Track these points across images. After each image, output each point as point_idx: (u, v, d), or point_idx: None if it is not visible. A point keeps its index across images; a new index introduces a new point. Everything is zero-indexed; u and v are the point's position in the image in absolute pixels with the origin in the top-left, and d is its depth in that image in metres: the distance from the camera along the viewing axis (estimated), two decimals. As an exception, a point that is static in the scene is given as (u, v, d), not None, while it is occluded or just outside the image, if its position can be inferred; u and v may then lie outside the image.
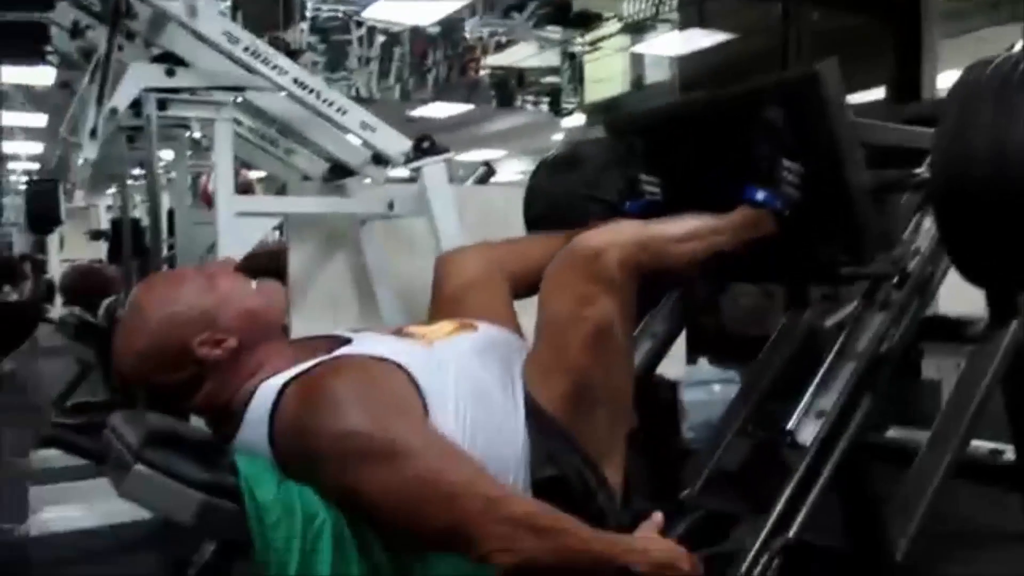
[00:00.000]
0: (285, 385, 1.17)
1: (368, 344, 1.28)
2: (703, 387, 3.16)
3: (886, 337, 1.55)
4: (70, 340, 3.66)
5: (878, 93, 4.89)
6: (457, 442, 1.18)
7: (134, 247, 2.97)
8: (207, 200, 5.15)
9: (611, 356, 1.30)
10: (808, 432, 1.50)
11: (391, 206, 2.41)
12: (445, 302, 1.56)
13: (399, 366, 1.21)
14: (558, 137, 9.70)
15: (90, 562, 1.98)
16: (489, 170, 4.35)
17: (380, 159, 2.39)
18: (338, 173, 2.65)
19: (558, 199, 2.06)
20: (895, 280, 1.54)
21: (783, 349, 2.30)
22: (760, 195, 1.46)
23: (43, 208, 2.16)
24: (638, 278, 1.33)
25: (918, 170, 1.56)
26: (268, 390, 1.18)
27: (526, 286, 1.61)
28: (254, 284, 1.29)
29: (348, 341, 1.31)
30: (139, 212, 4.85)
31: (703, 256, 1.44)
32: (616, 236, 1.34)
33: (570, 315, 1.28)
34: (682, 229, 1.43)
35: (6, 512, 1.95)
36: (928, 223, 1.59)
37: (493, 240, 1.70)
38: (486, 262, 1.60)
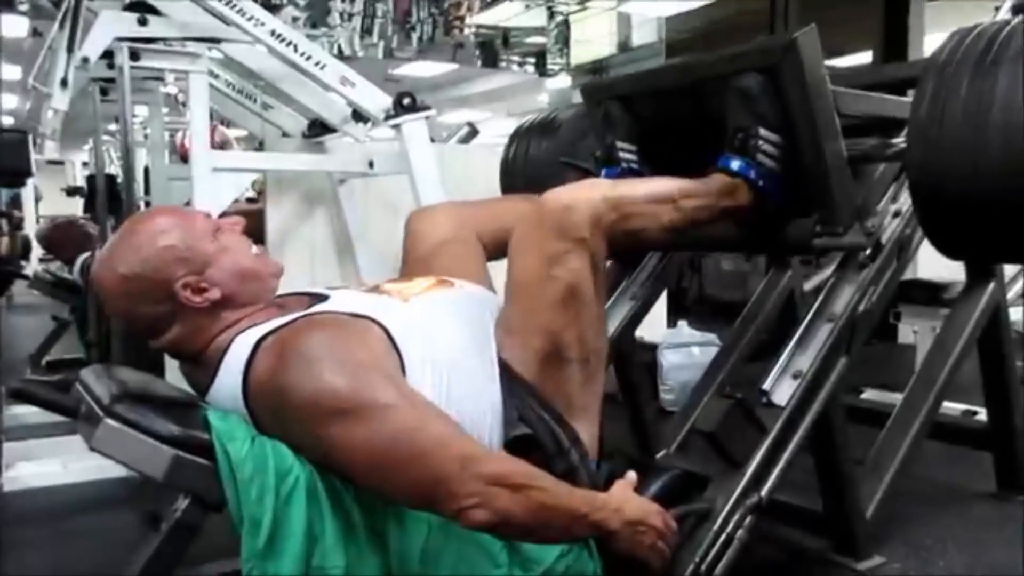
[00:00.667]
0: (260, 340, 1.15)
1: (345, 301, 1.27)
2: (683, 349, 3.17)
3: (863, 299, 1.55)
4: (46, 296, 3.61)
5: (866, 56, 4.87)
6: (433, 399, 1.17)
7: (109, 204, 2.92)
8: (183, 155, 5.07)
9: (582, 315, 1.29)
10: (784, 392, 1.51)
11: (371, 164, 2.38)
12: (417, 260, 1.55)
13: (375, 322, 1.20)
14: (543, 98, 9.60)
15: (64, 518, 1.97)
16: (472, 130, 4.30)
17: (360, 116, 2.35)
18: (318, 130, 2.61)
19: (534, 166, 2.05)
20: (868, 252, 1.54)
21: (762, 312, 2.32)
22: (735, 164, 1.43)
23: (12, 159, 2.12)
24: (607, 235, 1.31)
25: (895, 140, 1.55)
26: (242, 345, 1.16)
27: (497, 247, 1.59)
28: (256, 249, 1.28)
29: (325, 298, 1.30)
30: (115, 169, 4.78)
31: (675, 219, 1.40)
32: (586, 192, 1.31)
33: (539, 274, 1.27)
34: (653, 189, 1.40)
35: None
36: (905, 193, 1.59)
37: (467, 199, 1.69)
38: (458, 220, 1.58)
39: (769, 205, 1.47)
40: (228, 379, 1.16)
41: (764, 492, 1.43)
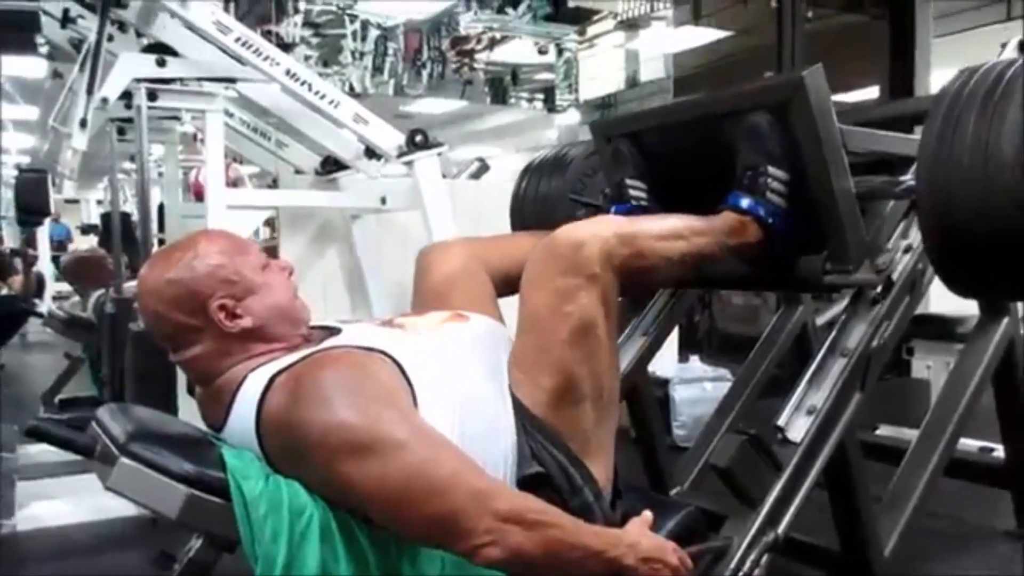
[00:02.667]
0: (274, 376, 1.16)
1: (357, 335, 1.27)
2: (694, 385, 3.17)
3: (876, 334, 1.55)
4: (59, 335, 3.63)
5: (873, 92, 4.90)
6: (446, 434, 1.17)
7: (124, 241, 2.95)
8: (198, 193, 5.12)
9: (594, 352, 1.29)
10: (799, 429, 1.50)
11: (383, 200, 2.40)
12: (427, 295, 1.55)
13: (389, 356, 1.20)
14: (553, 134, 9.68)
15: (77, 558, 1.96)
16: (483, 166, 4.34)
17: (373, 153, 2.38)
18: (331, 167, 2.64)
19: (544, 203, 2.06)
20: (879, 289, 1.54)
21: (774, 347, 2.31)
22: (744, 202, 1.44)
23: (32, 199, 2.15)
24: (619, 273, 1.31)
25: (904, 177, 1.56)
26: (257, 380, 1.17)
27: (507, 283, 1.59)
28: (298, 293, 1.30)
29: (338, 332, 1.31)
30: (129, 206, 4.83)
31: (686, 257, 1.40)
32: (597, 228, 1.32)
33: (551, 310, 1.27)
34: (664, 227, 1.41)
35: (-6, 508, 1.94)
36: (915, 228, 1.58)
37: (478, 235, 1.70)
38: (468, 256, 1.59)
39: (778, 242, 1.47)
40: (242, 415, 1.16)
41: (780, 530, 1.41)
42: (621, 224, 1.37)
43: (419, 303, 1.56)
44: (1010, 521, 2.00)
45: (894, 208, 1.66)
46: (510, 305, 1.62)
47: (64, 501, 2.09)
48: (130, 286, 3.07)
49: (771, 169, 1.44)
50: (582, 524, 1.16)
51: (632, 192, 1.69)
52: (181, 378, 2.15)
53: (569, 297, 1.26)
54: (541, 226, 1.98)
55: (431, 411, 1.18)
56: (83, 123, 1.93)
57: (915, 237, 1.60)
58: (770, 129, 1.44)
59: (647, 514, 1.27)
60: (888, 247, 1.59)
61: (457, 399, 1.22)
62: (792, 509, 1.43)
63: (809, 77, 1.42)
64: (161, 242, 3.51)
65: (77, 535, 2.02)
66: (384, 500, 1.07)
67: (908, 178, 1.53)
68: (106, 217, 5.02)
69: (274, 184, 2.97)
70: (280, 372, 1.16)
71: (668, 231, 1.39)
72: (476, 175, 4.17)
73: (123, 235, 3.08)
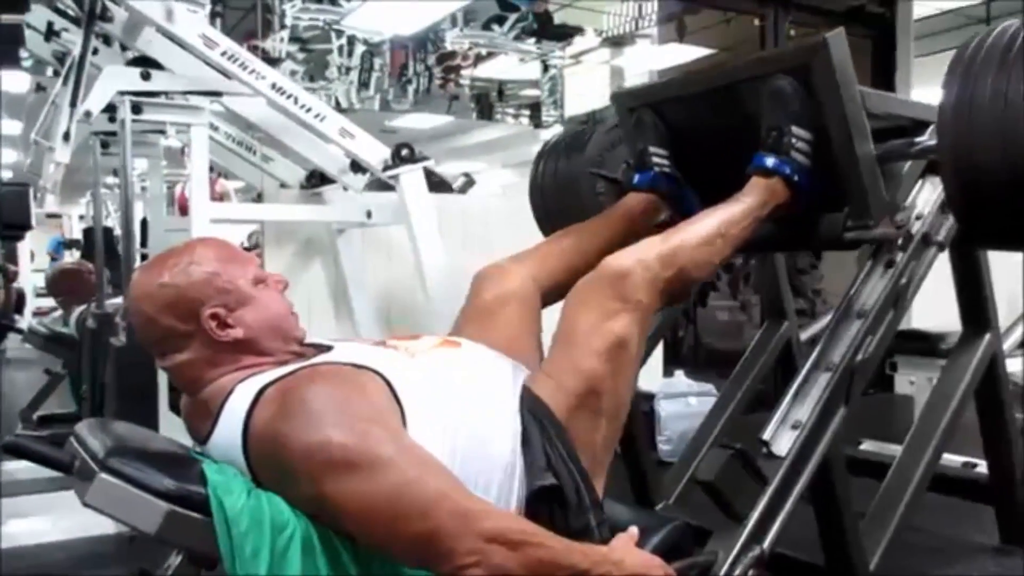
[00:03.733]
0: (262, 389, 1.14)
1: (349, 353, 1.26)
2: (679, 399, 3.16)
3: (860, 349, 1.55)
4: (39, 350, 3.59)
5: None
6: (435, 453, 1.15)
7: (106, 256, 2.92)
8: (183, 208, 5.09)
9: (621, 370, 1.31)
10: (784, 443, 1.50)
11: (369, 215, 2.39)
12: (477, 310, 1.54)
13: (379, 374, 1.19)
14: (538, 149, 9.70)
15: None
16: (469, 180, 4.35)
17: (358, 167, 2.37)
18: (316, 181, 2.64)
19: (564, 180, 2.07)
20: (899, 242, 1.56)
21: (759, 362, 2.32)
22: (770, 161, 1.49)
23: (13, 212, 2.13)
24: (663, 294, 1.36)
25: (920, 139, 1.60)
26: (244, 392, 1.16)
27: (560, 289, 1.55)
28: (293, 309, 1.30)
29: (329, 349, 1.30)
30: (112, 221, 4.79)
31: (725, 253, 1.47)
32: (641, 255, 1.35)
33: (591, 325, 1.30)
34: (703, 231, 1.44)
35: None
36: (930, 189, 1.63)
37: (521, 253, 1.67)
38: (522, 277, 1.58)
39: (803, 200, 1.52)
40: (229, 427, 1.15)
41: (766, 544, 1.41)
42: (662, 244, 1.40)
43: (466, 319, 1.53)
44: (993, 535, 2.01)
45: (911, 169, 1.69)
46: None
47: (42, 519, 2.06)
48: (113, 302, 3.05)
49: (795, 129, 1.50)
50: (567, 542, 1.15)
51: (655, 160, 1.73)
52: (163, 394, 2.13)
53: (611, 317, 1.30)
54: (562, 203, 2.04)
55: (420, 431, 1.16)
56: (66, 136, 1.91)
57: (930, 197, 1.62)
58: (793, 91, 1.50)
59: (633, 529, 1.26)
60: (905, 205, 1.62)
61: (448, 420, 1.21)
62: (777, 523, 1.43)
63: (832, 40, 1.47)
64: (144, 257, 3.48)
65: (54, 554, 1.99)
66: (368, 519, 1.06)
67: (925, 139, 1.59)
68: (88, 232, 4.98)
69: (259, 198, 2.96)
70: (268, 385, 1.15)
71: (707, 235, 1.44)
72: (462, 190, 4.18)
73: (105, 250, 3.05)
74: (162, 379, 2.18)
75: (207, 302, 1.19)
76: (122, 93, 2.00)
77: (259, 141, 2.71)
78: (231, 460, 1.14)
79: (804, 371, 1.57)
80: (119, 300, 3.25)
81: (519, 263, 1.62)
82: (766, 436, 1.50)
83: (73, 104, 1.92)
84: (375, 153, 2.24)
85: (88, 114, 1.96)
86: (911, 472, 1.77)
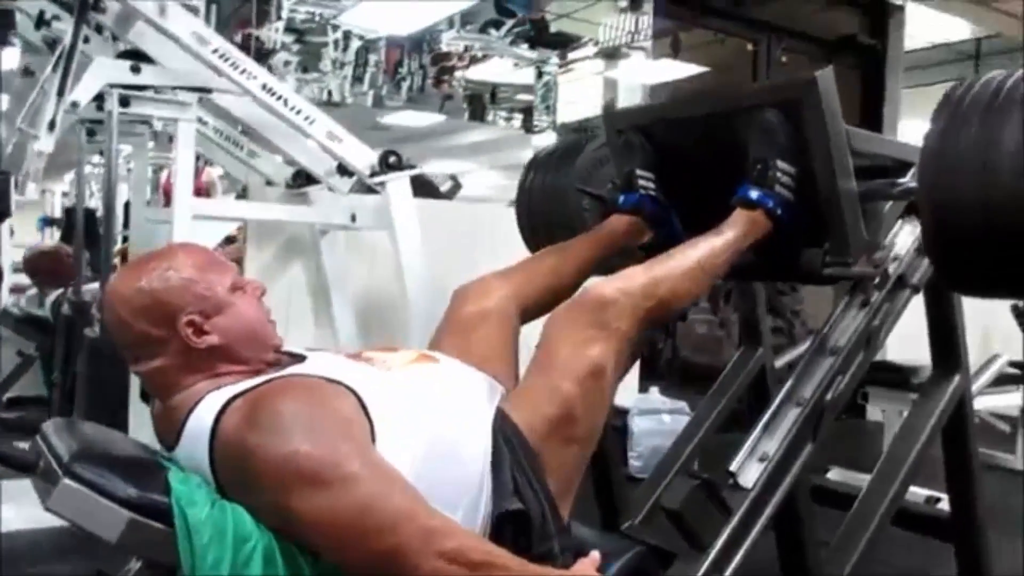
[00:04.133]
0: (231, 399, 1.15)
1: (322, 364, 1.27)
2: (653, 416, 3.19)
3: (831, 387, 1.57)
4: (11, 332, 3.55)
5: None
6: (402, 470, 1.15)
7: (87, 237, 2.89)
8: (167, 194, 5.04)
9: (597, 398, 1.32)
10: (750, 475, 1.51)
11: (353, 218, 2.39)
12: (456, 325, 1.54)
13: (350, 389, 1.19)
14: (528, 154, 9.71)
15: (10, 567, 1.91)
16: (455, 184, 4.33)
17: (345, 169, 2.37)
18: (302, 180, 2.63)
19: (551, 194, 2.07)
20: (876, 281, 1.59)
21: (732, 386, 2.33)
22: (754, 194, 1.51)
23: (-7, 200, 2.12)
24: (642, 323, 1.37)
25: (902, 180, 1.62)
26: (213, 401, 1.16)
27: (540, 308, 1.61)
28: (271, 317, 1.30)
29: (303, 359, 1.30)
30: (95, 201, 4.74)
31: (705, 283, 1.49)
32: (622, 285, 1.36)
33: (570, 350, 1.31)
34: (686, 263, 1.46)
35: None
36: (908, 230, 1.66)
37: (501, 271, 1.67)
38: (502, 296, 1.58)
39: (784, 233, 1.55)
40: (195, 435, 1.15)
41: (727, 574, 1.43)
42: (646, 274, 1.41)
43: (444, 333, 1.54)
44: (951, 569, 2.03)
45: (891, 209, 1.72)
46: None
47: (6, 507, 2.03)
48: (89, 288, 3.03)
49: (780, 163, 1.52)
50: (529, 565, 1.16)
51: (641, 182, 1.75)
52: (134, 389, 2.12)
53: (590, 343, 1.31)
54: (548, 217, 2.04)
55: (389, 447, 1.17)
56: (51, 125, 1.90)
57: (908, 237, 1.64)
58: (780, 125, 1.52)
59: (595, 554, 1.26)
60: (884, 244, 1.65)
61: (419, 437, 1.21)
62: (740, 554, 1.44)
63: (821, 77, 1.49)
64: (125, 239, 3.45)
65: (13, 543, 1.96)
66: (331, 533, 1.06)
67: (907, 180, 1.61)
68: (70, 212, 4.93)
69: (244, 192, 2.95)
70: (237, 396, 1.15)
71: (689, 267, 1.46)
72: (449, 193, 4.15)
73: (86, 233, 3.02)
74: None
75: (184, 308, 1.19)
76: (111, 86, 1.99)
77: (246, 136, 2.70)
78: (197, 468, 1.15)
79: (775, 404, 1.58)
80: (96, 285, 3.23)
81: (500, 280, 1.62)
82: (733, 467, 1.51)
83: (60, 93, 1.91)
84: (362, 157, 2.24)
85: (75, 105, 1.95)
86: (876, 505, 1.79)
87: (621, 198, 1.76)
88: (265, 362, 1.27)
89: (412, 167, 2.20)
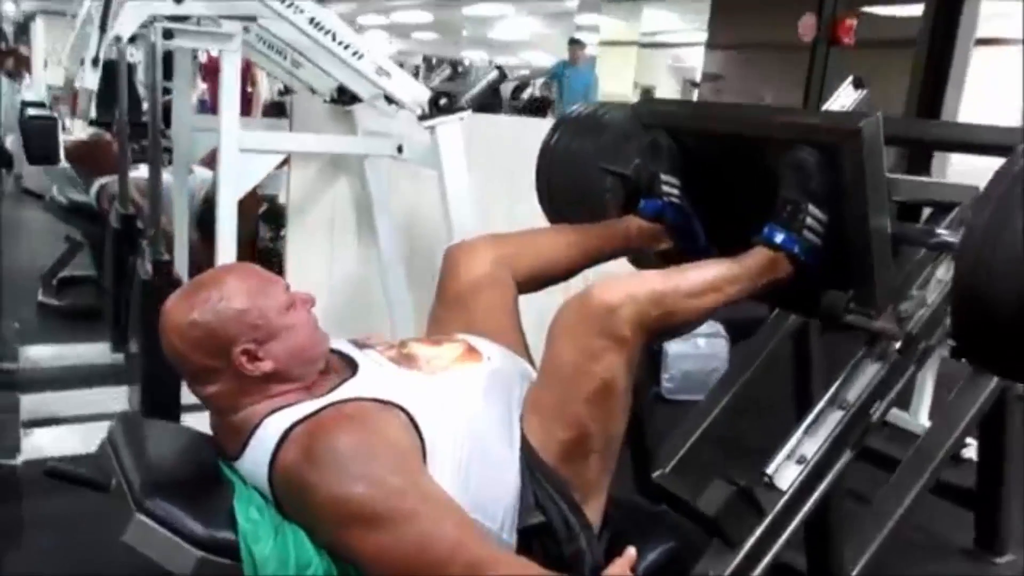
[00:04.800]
0: (289, 429, 1.19)
1: (372, 379, 1.29)
2: (688, 340, 3.21)
3: (880, 395, 1.57)
4: (60, 222, 3.61)
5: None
6: (451, 486, 1.21)
7: (131, 128, 2.83)
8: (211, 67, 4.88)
9: (611, 409, 1.33)
10: (786, 477, 1.54)
11: (400, 149, 2.33)
12: (450, 302, 1.57)
13: (403, 410, 1.23)
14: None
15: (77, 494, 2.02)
16: (501, 74, 4.16)
17: (392, 99, 2.29)
18: (347, 98, 2.55)
19: (573, 164, 1.99)
20: (898, 345, 1.55)
21: (772, 342, 2.33)
22: (780, 237, 1.45)
23: (40, 146, 2.07)
24: (649, 333, 1.33)
25: (940, 229, 1.54)
26: (273, 428, 1.20)
27: (535, 284, 1.64)
28: (319, 325, 1.31)
29: (354, 366, 1.33)
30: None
31: (717, 305, 1.43)
32: (632, 291, 1.32)
33: (575, 367, 1.29)
34: (700, 280, 1.41)
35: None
36: (939, 277, 1.58)
37: (504, 233, 1.68)
38: (496, 261, 1.59)
39: (806, 278, 1.49)
40: (256, 459, 1.20)
41: (757, 573, 1.49)
42: (655, 283, 1.37)
43: (442, 307, 1.59)
44: (967, 535, 2.11)
45: (924, 256, 1.64)
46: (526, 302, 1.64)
47: (68, 428, 2.14)
48: (136, 176, 3.03)
49: (811, 207, 1.44)
50: None
51: (665, 188, 1.68)
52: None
53: (596, 358, 1.29)
54: (567, 189, 1.97)
55: (439, 465, 1.22)
56: (95, 62, 1.84)
57: (937, 287, 1.58)
58: (816, 167, 1.43)
59: (630, 552, 1.33)
60: (913, 294, 1.59)
61: (465, 448, 1.26)
62: (770, 555, 1.50)
63: (866, 128, 1.38)
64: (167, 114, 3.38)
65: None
66: (387, 568, 1.13)
67: (946, 235, 1.52)
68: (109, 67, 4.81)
69: (285, 91, 2.86)
70: (297, 424, 1.19)
71: (702, 285, 1.41)
72: (494, 84, 3.99)
73: (131, 123, 2.98)
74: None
75: (238, 339, 1.21)
76: (153, 18, 1.90)
77: (290, 47, 2.59)
78: (258, 486, 1.21)
79: (819, 406, 1.59)
80: (138, 173, 3.23)
81: (491, 246, 1.62)
82: (769, 470, 1.55)
83: (103, 28, 1.83)
84: (412, 94, 2.16)
85: (118, 39, 1.88)
86: (907, 487, 1.81)
87: (642, 203, 1.70)
88: (319, 372, 1.30)
89: (462, 108, 2.12)
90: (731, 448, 2.55)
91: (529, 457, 1.31)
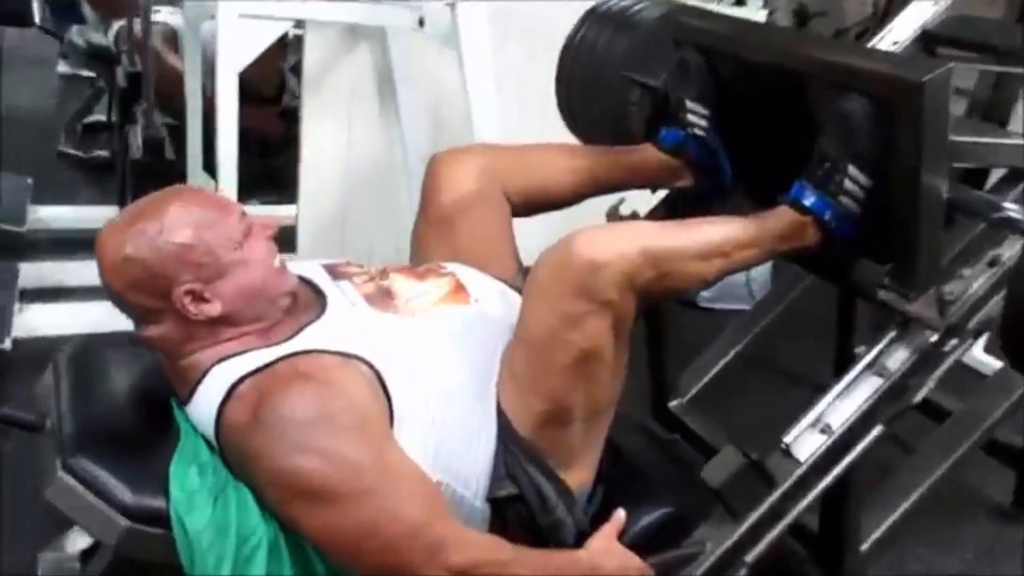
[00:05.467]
0: (236, 383, 1.06)
1: (339, 326, 1.15)
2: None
3: (923, 370, 1.38)
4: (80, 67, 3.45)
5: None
6: (419, 451, 1.09)
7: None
8: None
9: (595, 375, 1.17)
10: (806, 447, 1.39)
11: (421, 22, 2.08)
12: (433, 220, 1.42)
13: (368, 364, 1.09)
14: None
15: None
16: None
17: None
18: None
19: (597, 67, 1.72)
20: (935, 339, 1.33)
21: (807, 278, 2.10)
22: (810, 200, 1.23)
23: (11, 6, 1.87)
24: (640, 295, 1.14)
25: (1008, 204, 1.30)
26: (219, 379, 1.08)
27: (527, 203, 1.47)
28: (278, 260, 1.15)
29: (322, 298, 1.18)
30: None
31: (722, 271, 1.23)
32: (622, 245, 1.12)
33: (552, 333, 1.12)
34: (706, 240, 1.20)
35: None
36: (995, 258, 1.33)
37: (498, 144, 1.56)
38: (485, 175, 1.42)
39: (836, 249, 1.28)
40: (203, 410, 1.09)
41: (761, 547, 1.36)
42: (652, 237, 1.18)
43: (425, 224, 1.44)
44: (1005, 492, 1.97)
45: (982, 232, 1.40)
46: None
47: (65, 304, 2.07)
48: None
49: (852, 169, 1.21)
50: (542, 558, 1.13)
51: (690, 118, 1.45)
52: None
53: (575, 324, 1.11)
54: (585, 95, 1.72)
55: (407, 429, 1.10)
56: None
57: (988, 272, 1.33)
58: (865, 122, 1.19)
59: (619, 516, 1.22)
60: (964, 273, 1.35)
61: (439, 412, 1.13)
62: (777, 530, 1.37)
63: (931, 84, 1.13)
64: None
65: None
66: (335, 547, 1.04)
67: (1013, 206, 1.28)
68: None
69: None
70: (245, 378, 1.06)
71: (708, 247, 1.20)
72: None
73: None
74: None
75: (179, 278, 1.07)
76: None
77: None
78: (207, 437, 1.10)
79: (853, 372, 1.40)
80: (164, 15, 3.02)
81: (482, 156, 1.46)
82: (788, 438, 1.39)
83: None
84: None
85: None
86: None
87: (663, 133, 1.47)
88: (281, 311, 1.16)
89: (485, -7, 1.85)
90: (763, 374, 2.41)
91: (502, 425, 1.17)
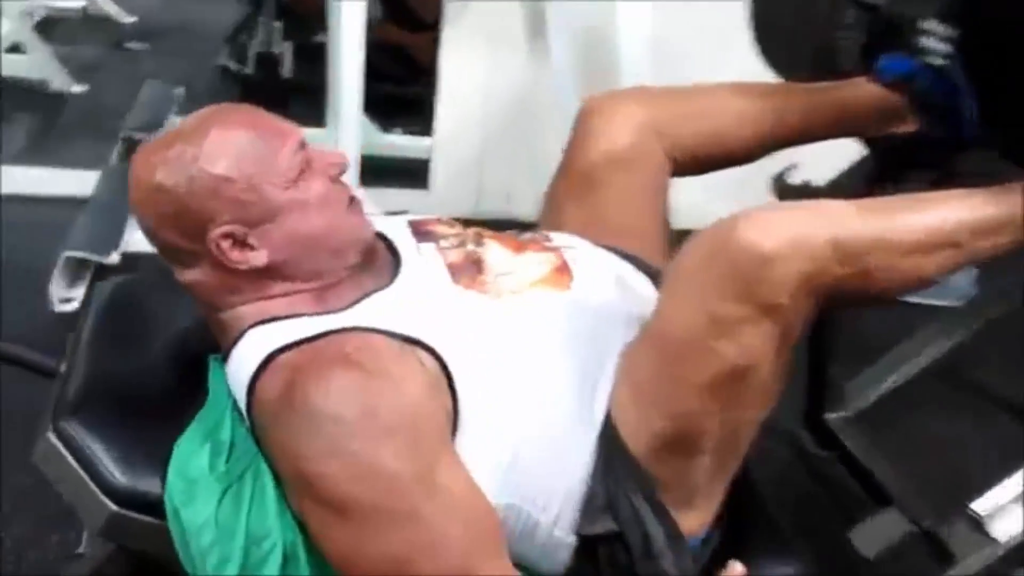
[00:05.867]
0: (273, 355, 0.87)
1: (410, 294, 0.94)
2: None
3: None
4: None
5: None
6: (487, 465, 0.88)
7: None
8: None
9: (740, 400, 0.90)
10: (1005, 524, 1.06)
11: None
12: (576, 178, 1.20)
13: (433, 353, 0.88)
14: None
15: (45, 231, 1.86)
16: None
17: None
18: None
19: None
20: None
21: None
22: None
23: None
24: (824, 297, 0.86)
25: None
26: (256, 346, 0.89)
27: (697, 164, 1.24)
28: (352, 201, 0.95)
29: (398, 261, 0.97)
30: None
31: (949, 267, 0.91)
32: (804, 231, 0.84)
33: (695, 340, 0.87)
34: (930, 225, 0.90)
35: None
36: None
37: (660, 88, 1.28)
38: (645, 129, 1.18)
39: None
40: (237, 375, 0.91)
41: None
42: (847, 223, 0.88)
43: (564, 181, 1.22)
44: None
45: None
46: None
47: (48, 172, 2.02)
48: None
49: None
50: None
51: (924, 42, 1.10)
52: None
53: (726, 331, 0.85)
54: (787, 16, 1.39)
55: (474, 435, 0.88)
56: None
57: None
58: None
59: (737, 569, 0.94)
60: None
61: (518, 416, 0.90)
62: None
63: None
64: None
65: (53, 210, 1.90)
66: (352, 571, 0.83)
67: None
68: None
69: None
70: (284, 350, 0.87)
71: (933, 235, 0.91)
72: None
73: None
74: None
75: (216, 218, 0.87)
76: None
77: None
78: (240, 408, 0.91)
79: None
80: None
81: (641, 103, 1.21)
82: (979, 507, 1.06)
83: None
84: None
85: None
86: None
87: (882, 59, 1.14)
88: (348, 268, 0.95)
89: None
90: (955, 396, 1.97)
91: (611, 443, 0.93)
